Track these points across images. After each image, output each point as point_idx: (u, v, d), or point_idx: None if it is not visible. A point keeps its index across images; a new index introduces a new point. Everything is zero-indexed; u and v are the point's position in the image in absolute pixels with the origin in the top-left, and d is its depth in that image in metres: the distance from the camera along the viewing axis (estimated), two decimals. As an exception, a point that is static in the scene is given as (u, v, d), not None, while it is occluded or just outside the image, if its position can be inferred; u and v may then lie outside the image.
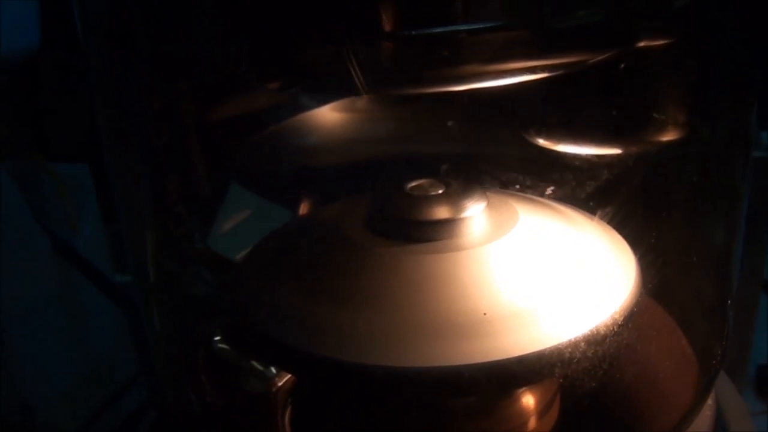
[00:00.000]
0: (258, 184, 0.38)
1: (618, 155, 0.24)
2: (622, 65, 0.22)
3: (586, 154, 0.25)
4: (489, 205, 0.26)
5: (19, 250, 0.49)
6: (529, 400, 0.26)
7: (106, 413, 0.50)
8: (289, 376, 0.28)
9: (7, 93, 0.67)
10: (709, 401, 0.25)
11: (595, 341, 0.23)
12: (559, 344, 0.22)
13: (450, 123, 0.30)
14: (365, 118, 0.33)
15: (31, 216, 0.53)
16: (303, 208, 0.34)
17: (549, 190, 0.27)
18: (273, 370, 0.28)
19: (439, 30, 0.19)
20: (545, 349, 0.22)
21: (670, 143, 0.24)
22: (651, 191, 0.26)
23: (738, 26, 0.22)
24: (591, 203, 0.27)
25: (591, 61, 0.20)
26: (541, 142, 0.25)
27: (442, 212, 0.25)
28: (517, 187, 0.30)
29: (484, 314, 0.22)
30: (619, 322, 0.23)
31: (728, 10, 0.22)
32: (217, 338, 0.28)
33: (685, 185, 0.25)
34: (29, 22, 0.65)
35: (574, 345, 0.22)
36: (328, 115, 0.34)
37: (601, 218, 0.27)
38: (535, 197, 0.29)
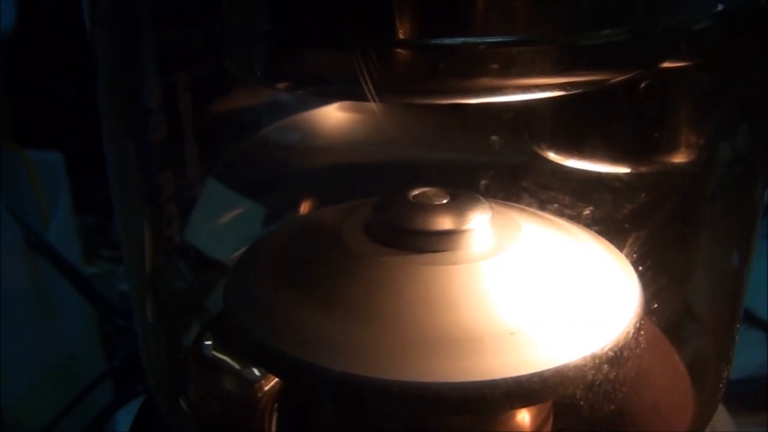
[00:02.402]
0: (252, 184, 0.37)
1: (629, 174, 0.24)
2: (643, 85, 0.22)
3: (596, 171, 0.25)
4: (492, 218, 0.26)
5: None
6: (524, 417, 0.25)
7: (73, 411, 0.49)
8: (275, 380, 0.28)
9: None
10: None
11: (594, 365, 0.22)
12: (557, 366, 0.22)
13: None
14: (373, 119, 0.32)
15: (2, 206, 0.51)
16: (303, 209, 0.33)
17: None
18: (257, 372, 0.28)
19: (456, 41, 0.19)
20: (544, 371, 0.22)
21: (680, 166, 0.24)
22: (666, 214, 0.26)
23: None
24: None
25: (612, 81, 0.20)
26: (552, 156, 0.25)
27: (445, 223, 0.25)
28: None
29: (511, 334, 0.22)
30: (621, 346, 0.23)
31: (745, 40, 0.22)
32: (208, 343, 0.28)
33: (701, 211, 0.26)
34: (5, 4, 0.63)
35: (572, 368, 0.22)
36: (334, 114, 0.34)
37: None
38: (537, 211, 0.29)
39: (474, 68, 0.19)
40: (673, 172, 0.26)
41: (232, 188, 0.37)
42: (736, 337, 0.27)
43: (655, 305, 0.26)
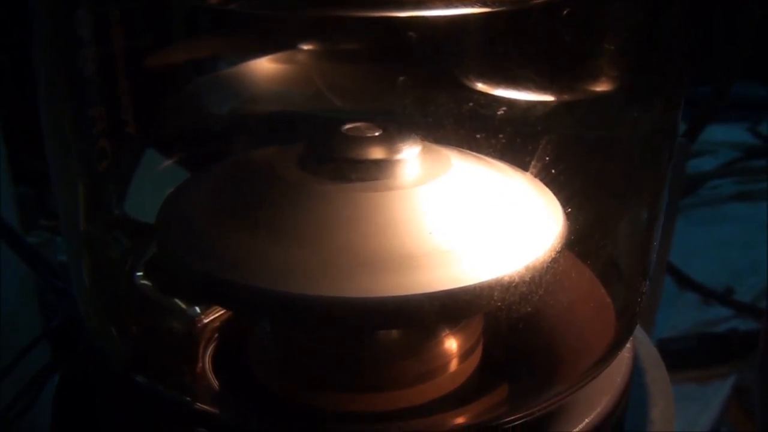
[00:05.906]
0: (183, 139, 0.37)
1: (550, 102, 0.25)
2: (565, 11, 0.22)
3: (522, 100, 0.25)
4: (423, 150, 0.26)
5: None
6: (451, 342, 0.26)
7: (10, 374, 0.48)
8: (215, 315, 0.28)
9: None
10: (628, 345, 0.27)
11: (522, 281, 0.23)
12: (485, 281, 0.23)
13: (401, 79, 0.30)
14: (303, 71, 0.33)
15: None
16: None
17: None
18: (197, 309, 0.28)
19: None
20: (470, 285, 0.23)
21: (600, 96, 0.25)
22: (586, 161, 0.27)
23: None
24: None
25: (534, 1, 0.21)
26: (480, 86, 0.26)
27: (377, 153, 0.26)
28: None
29: (444, 251, 0.23)
30: (546, 265, 0.24)
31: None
32: (139, 273, 0.28)
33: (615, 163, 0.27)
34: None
35: (501, 283, 0.23)
36: (266, 65, 0.34)
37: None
38: (466, 150, 0.29)
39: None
40: (596, 136, 0.27)
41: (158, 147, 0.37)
42: (649, 275, 0.30)
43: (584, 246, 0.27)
